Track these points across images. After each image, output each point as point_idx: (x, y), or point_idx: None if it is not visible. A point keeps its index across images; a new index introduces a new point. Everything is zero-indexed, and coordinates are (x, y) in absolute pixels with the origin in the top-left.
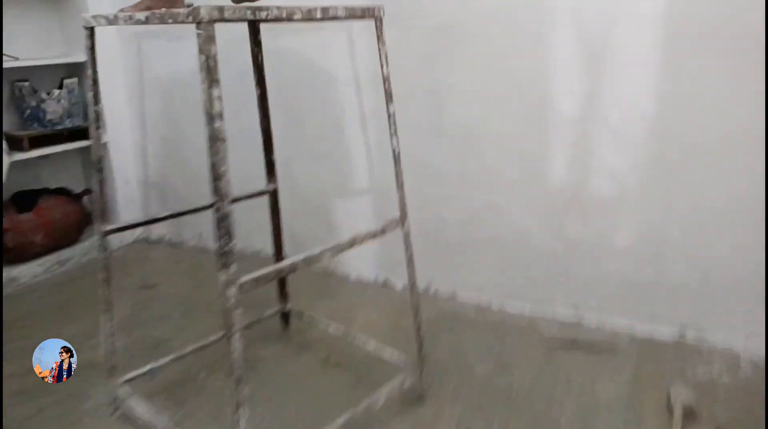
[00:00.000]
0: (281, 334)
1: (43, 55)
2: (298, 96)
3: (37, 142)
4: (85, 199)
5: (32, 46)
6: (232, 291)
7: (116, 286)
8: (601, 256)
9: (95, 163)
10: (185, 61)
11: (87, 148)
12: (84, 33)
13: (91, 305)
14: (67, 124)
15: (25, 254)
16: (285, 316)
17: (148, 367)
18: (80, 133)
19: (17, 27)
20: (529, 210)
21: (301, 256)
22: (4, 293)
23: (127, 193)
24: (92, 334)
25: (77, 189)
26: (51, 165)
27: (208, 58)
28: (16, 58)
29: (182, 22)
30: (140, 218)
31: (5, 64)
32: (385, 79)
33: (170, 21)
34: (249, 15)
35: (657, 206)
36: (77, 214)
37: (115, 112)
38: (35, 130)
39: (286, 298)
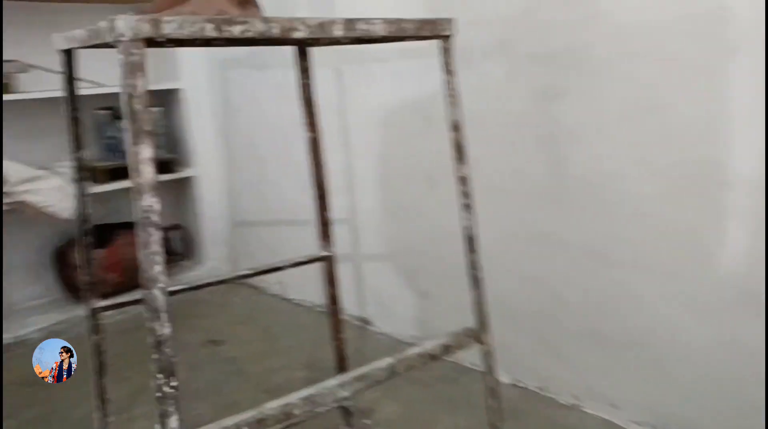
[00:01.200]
0: None
1: None
2: (384, 138)
3: (113, 174)
4: (172, 234)
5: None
6: None
7: (179, 340)
8: None
9: (79, 219)
10: (269, 91)
11: (174, 181)
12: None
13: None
14: None
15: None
16: (345, 411)
17: None
18: (165, 166)
19: (104, 53)
20: (684, 303)
21: (299, 396)
22: (71, 334)
23: (215, 230)
24: (134, 401)
25: (165, 224)
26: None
27: (131, 97)
28: (100, 85)
29: (106, 43)
30: (226, 257)
31: (87, 91)
32: (456, 126)
33: (96, 41)
34: (210, 31)
35: None
36: None
37: (204, 144)
38: (112, 161)
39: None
